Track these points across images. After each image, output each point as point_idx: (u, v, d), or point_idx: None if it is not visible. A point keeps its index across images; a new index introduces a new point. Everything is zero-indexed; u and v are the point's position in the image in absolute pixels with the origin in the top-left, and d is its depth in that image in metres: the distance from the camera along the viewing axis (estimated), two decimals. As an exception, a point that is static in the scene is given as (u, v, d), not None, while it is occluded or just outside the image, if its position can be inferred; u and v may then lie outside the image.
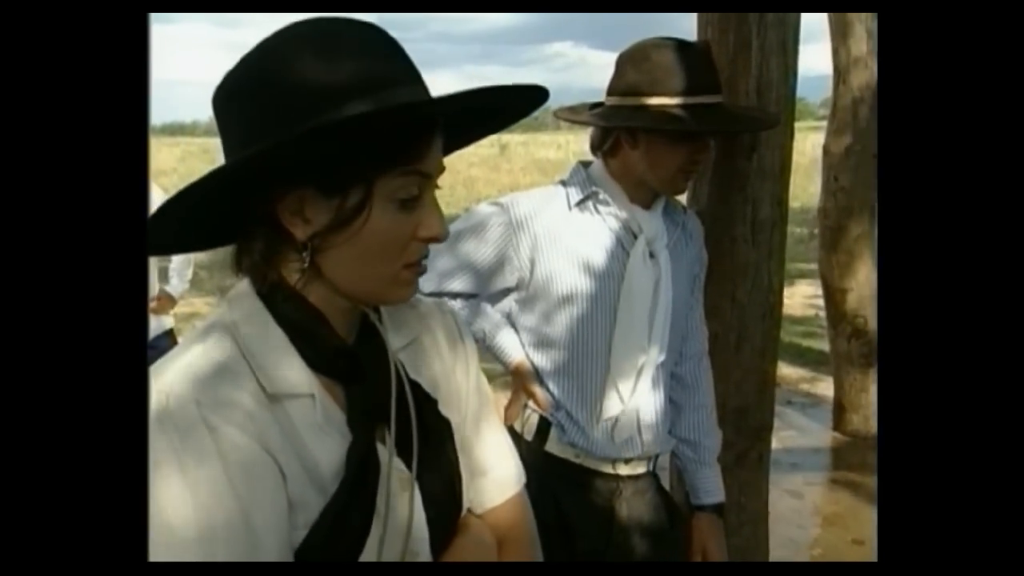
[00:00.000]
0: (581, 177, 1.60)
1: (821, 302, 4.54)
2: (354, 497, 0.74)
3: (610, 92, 1.56)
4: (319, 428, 0.75)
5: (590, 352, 1.57)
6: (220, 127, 0.75)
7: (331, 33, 0.72)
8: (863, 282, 4.08)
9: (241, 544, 0.68)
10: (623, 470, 1.63)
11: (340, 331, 0.79)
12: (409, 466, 0.79)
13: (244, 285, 0.78)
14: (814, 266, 5.01)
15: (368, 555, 0.75)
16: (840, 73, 3.98)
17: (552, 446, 1.60)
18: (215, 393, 0.71)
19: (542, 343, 1.59)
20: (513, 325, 1.63)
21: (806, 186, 8.98)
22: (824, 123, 4.17)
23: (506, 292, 1.62)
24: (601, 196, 1.57)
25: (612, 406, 1.57)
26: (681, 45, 1.51)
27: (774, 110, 1.72)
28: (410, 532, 0.79)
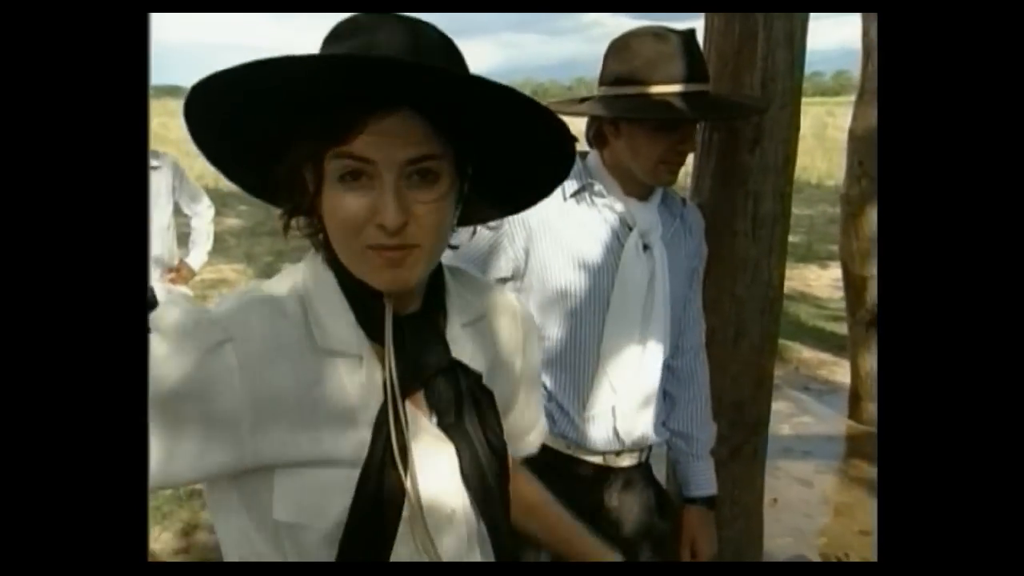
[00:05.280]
0: (577, 168, 1.59)
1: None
2: (382, 450, 0.81)
3: (599, 83, 1.56)
4: (360, 386, 0.83)
5: (583, 344, 1.57)
6: None
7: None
8: (884, 270, 4.02)
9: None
10: (614, 462, 1.64)
11: (394, 300, 0.84)
12: (445, 429, 0.87)
13: (313, 251, 0.85)
14: (837, 247, 4.94)
15: (407, 510, 0.82)
16: (868, 54, 3.88)
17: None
18: (262, 335, 0.79)
19: (536, 334, 1.59)
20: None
21: (836, 163, 8.82)
22: (837, 98, 4.07)
23: (501, 282, 1.63)
24: (596, 188, 1.56)
25: (604, 399, 1.58)
26: (664, 34, 1.49)
27: (779, 103, 1.69)
28: (445, 491, 0.86)
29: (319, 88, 0.74)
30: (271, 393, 0.78)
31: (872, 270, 4.03)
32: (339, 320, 0.83)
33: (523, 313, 1.03)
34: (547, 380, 1.60)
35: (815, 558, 2.94)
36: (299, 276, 0.85)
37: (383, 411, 0.82)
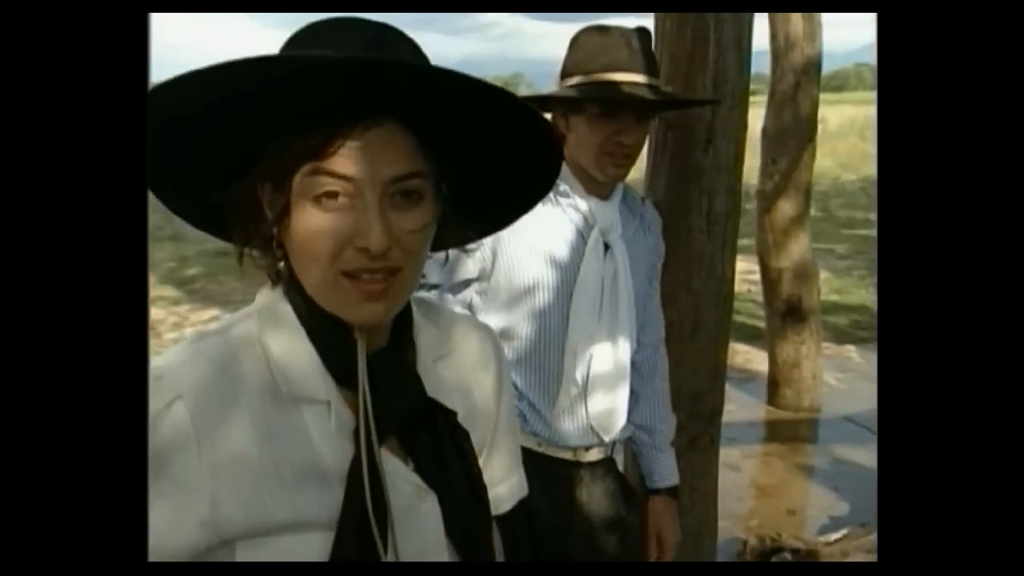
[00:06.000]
0: (543, 169, 1.61)
1: (755, 277, 4.66)
2: (358, 508, 0.73)
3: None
4: (330, 436, 0.75)
5: (550, 343, 1.59)
6: None
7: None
8: (798, 261, 4.21)
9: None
10: (583, 457, 1.66)
11: (363, 337, 0.76)
12: (426, 477, 0.79)
13: (269, 285, 0.78)
14: (748, 241, 5.14)
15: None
16: (777, 56, 4.05)
17: (515, 436, 1.62)
18: (215, 386, 0.72)
19: (504, 334, 1.60)
20: (475, 316, 1.64)
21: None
22: (756, 98, 4.25)
23: (468, 283, 1.63)
24: (561, 188, 1.58)
25: (572, 396, 1.60)
26: (607, 29, 1.56)
27: (730, 104, 1.76)
28: (428, 548, 0.79)
29: (302, 94, 0.67)
30: (230, 451, 0.71)
31: (785, 262, 4.22)
32: (303, 362, 0.75)
33: (497, 345, 0.94)
34: (517, 379, 1.61)
35: (751, 540, 3.06)
36: (254, 315, 0.78)
37: (356, 463, 0.73)
